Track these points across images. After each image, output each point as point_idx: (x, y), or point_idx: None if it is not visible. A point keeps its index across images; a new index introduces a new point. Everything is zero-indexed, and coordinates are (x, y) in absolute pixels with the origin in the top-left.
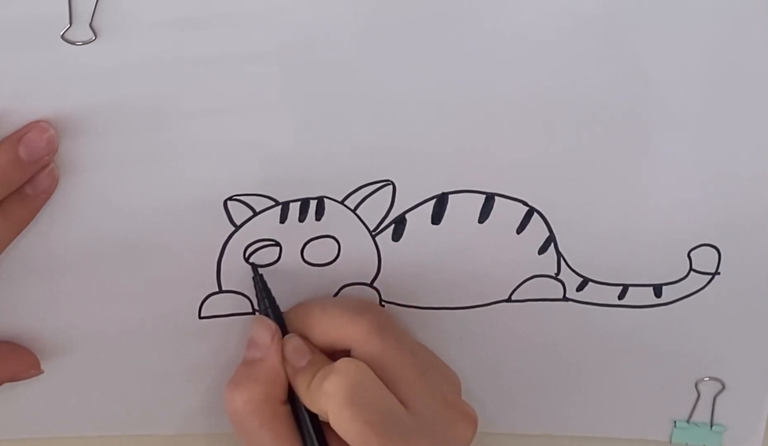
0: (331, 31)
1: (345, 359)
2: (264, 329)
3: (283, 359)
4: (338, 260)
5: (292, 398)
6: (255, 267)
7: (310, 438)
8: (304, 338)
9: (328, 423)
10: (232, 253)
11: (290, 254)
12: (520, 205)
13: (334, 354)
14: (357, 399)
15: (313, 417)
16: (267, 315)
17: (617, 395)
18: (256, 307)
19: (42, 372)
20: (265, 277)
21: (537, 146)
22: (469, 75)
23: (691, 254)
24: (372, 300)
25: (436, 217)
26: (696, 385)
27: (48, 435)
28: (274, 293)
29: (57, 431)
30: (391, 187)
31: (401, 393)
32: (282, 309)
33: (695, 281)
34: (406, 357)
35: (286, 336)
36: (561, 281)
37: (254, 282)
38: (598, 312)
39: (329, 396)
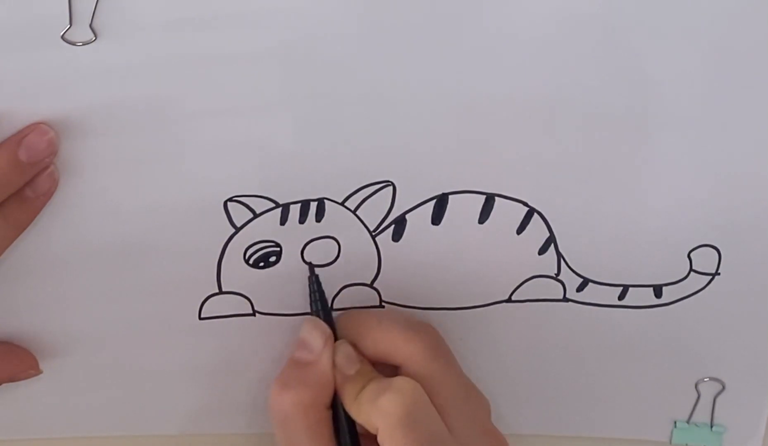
0: (331, 31)
1: (402, 378)
2: (318, 332)
3: (333, 364)
4: (338, 261)
5: (333, 404)
6: (312, 267)
7: None
8: (353, 346)
9: (365, 434)
10: (232, 254)
11: (290, 255)
12: (521, 205)
13: (377, 367)
14: (411, 420)
15: (351, 426)
16: (318, 317)
17: (617, 395)
18: (256, 309)
19: (41, 372)
20: (265, 278)
21: (537, 146)
22: (469, 75)
23: (692, 255)
24: (427, 320)
25: (436, 218)
26: (696, 386)
27: (48, 435)
28: (274, 294)
29: (57, 431)
30: (391, 187)
31: (447, 417)
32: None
33: (695, 281)
34: (455, 380)
35: (338, 342)
36: (561, 281)
37: (309, 282)
38: (598, 312)
39: (384, 413)
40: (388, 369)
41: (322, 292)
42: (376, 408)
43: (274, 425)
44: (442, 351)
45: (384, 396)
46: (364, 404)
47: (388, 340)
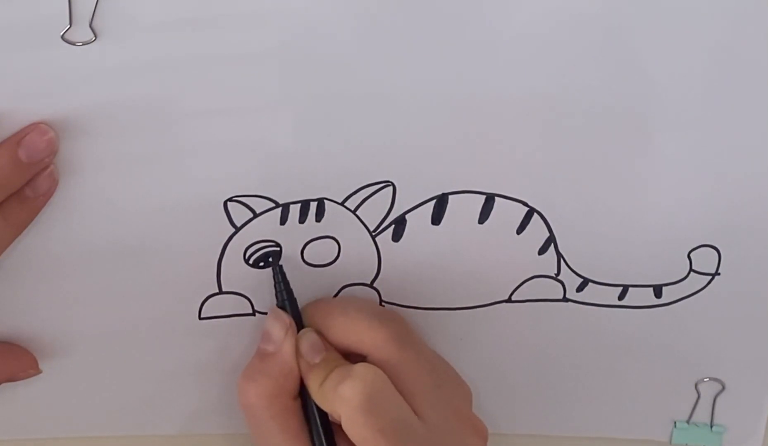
0: (331, 31)
1: (363, 364)
2: (279, 322)
3: (298, 354)
4: (338, 261)
5: (302, 393)
6: (276, 259)
7: (318, 435)
8: (320, 335)
9: (337, 420)
10: (232, 254)
11: (290, 255)
12: (520, 205)
13: (347, 356)
14: (372, 406)
15: (322, 413)
16: (284, 308)
17: (617, 395)
18: (256, 308)
19: (40, 372)
20: (265, 278)
21: (537, 146)
22: (469, 75)
23: (691, 255)
24: (394, 309)
25: (436, 218)
26: (696, 386)
27: (48, 435)
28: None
29: (57, 431)
30: (391, 187)
31: (415, 403)
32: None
33: (695, 282)
34: (423, 367)
35: (302, 331)
36: (561, 281)
37: (273, 273)
38: (598, 312)
39: (344, 400)
40: (355, 358)
41: (287, 283)
42: (338, 396)
43: (245, 418)
44: (409, 338)
45: (344, 383)
46: (328, 392)
47: (354, 329)
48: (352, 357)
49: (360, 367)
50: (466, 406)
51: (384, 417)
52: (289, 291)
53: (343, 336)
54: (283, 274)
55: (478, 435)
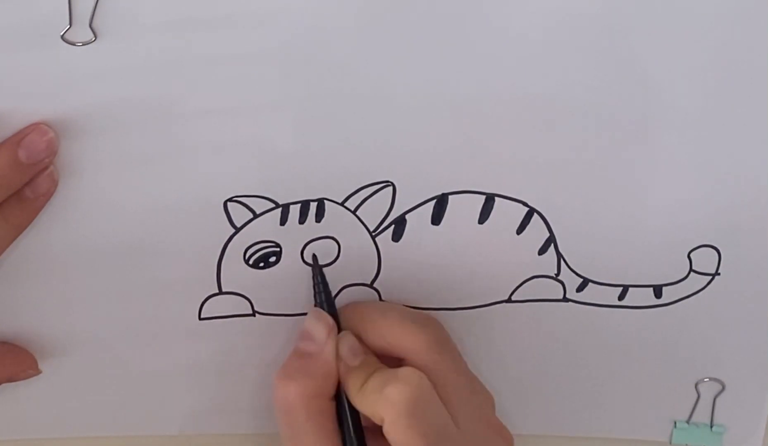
0: (331, 32)
1: (408, 368)
2: (321, 323)
3: (336, 355)
4: (338, 261)
5: (337, 395)
6: (315, 259)
7: (350, 438)
8: (357, 337)
9: (368, 426)
10: (232, 255)
11: (290, 255)
12: (520, 205)
13: (381, 358)
14: (417, 410)
15: (355, 416)
16: (322, 309)
17: (617, 395)
18: (256, 309)
19: (40, 372)
20: (265, 279)
21: (537, 146)
22: (469, 75)
23: (692, 255)
24: (431, 314)
25: (436, 218)
26: (696, 386)
27: (48, 435)
28: (274, 294)
29: (57, 431)
30: (391, 187)
31: (452, 409)
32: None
33: (695, 282)
34: (460, 374)
35: (342, 333)
36: (561, 282)
37: (313, 274)
38: (598, 312)
39: (390, 402)
40: (391, 362)
41: (326, 284)
42: (382, 398)
43: (278, 416)
44: (448, 344)
45: (390, 385)
46: (370, 394)
47: (393, 333)
48: (386, 359)
49: (406, 371)
50: (493, 413)
51: (427, 422)
52: (328, 293)
53: (382, 339)
54: (323, 275)
55: (506, 442)
